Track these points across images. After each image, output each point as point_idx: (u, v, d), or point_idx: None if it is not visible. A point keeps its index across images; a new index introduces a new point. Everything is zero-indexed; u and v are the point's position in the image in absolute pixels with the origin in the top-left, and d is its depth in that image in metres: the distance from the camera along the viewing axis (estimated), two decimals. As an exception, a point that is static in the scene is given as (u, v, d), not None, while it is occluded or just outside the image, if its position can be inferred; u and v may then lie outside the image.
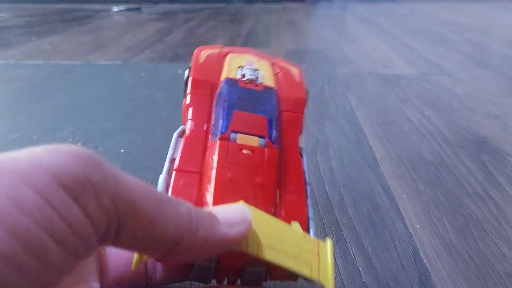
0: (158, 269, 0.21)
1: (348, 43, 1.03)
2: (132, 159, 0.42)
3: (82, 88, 0.65)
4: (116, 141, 0.46)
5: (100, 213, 0.12)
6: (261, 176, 0.20)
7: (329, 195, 0.36)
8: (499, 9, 1.67)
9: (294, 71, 0.27)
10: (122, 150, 0.44)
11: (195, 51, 0.26)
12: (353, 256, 0.29)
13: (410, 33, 1.17)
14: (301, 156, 0.23)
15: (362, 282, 0.26)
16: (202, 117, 0.22)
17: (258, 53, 0.28)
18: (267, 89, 0.24)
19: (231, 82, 0.23)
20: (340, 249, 0.29)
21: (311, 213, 0.20)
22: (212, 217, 0.16)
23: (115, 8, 1.66)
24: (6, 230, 0.10)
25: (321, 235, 0.31)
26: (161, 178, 0.20)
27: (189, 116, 0.22)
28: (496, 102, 0.60)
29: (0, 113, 0.55)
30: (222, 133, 0.21)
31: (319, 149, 0.45)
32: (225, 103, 0.22)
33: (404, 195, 0.36)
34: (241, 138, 0.21)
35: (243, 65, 0.25)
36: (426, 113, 0.56)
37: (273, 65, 0.27)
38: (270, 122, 0.22)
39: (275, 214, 0.19)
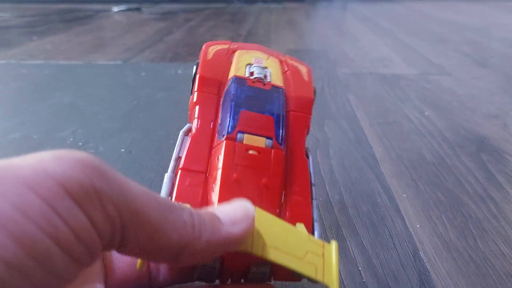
0: (161, 270, 0.21)
1: (348, 43, 1.03)
2: (133, 159, 0.42)
3: (83, 88, 0.65)
4: (117, 141, 0.46)
5: (105, 221, 0.12)
6: (267, 178, 0.20)
7: (329, 195, 0.36)
8: (499, 9, 1.66)
9: (303, 69, 0.27)
10: (123, 150, 0.44)
11: (204, 46, 0.26)
12: (353, 256, 0.29)
13: (410, 33, 1.17)
14: (307, 157, 0.23)
15: (362, 282, 0.27)
16: (209, 115, 0.22)
17: (267, 50, 0.28)
18: (275, 88, 0.23)
19: (239, 80, 0.23)
20: (340, 249, 0.30)
21: (316, 214, 0.20)
22: (214, 217, 0.16)
23: (116, 8, 1.66)
24: (11, 237, 0.10)
25: (322, 235, 0.31)
26: (167, 176, 0.19)
27: (196, 115, 0.22)
28: (496, 101, 0.60)
29: (1, 113, 0.55)
30: (229, 133, 0.21)
31: (319, 149, 0.45)
32: (233, 102, 0.22)
33: (404, 195, 0.36)
34: (247, 139, 0.21)
35: (251, 62, 0.25)
36: (426, 113, 0.56)
37: (281, 62, 0.27)
38: (277, 122, 0.22)
39: (280, 215, 0.19)
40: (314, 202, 0.21)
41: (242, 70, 0.24)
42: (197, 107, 0.22)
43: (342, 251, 0.29)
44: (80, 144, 0.45)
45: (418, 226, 0.32)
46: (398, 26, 1.29)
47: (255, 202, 0.18)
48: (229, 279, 0.20)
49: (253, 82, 0.23)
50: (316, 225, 0.20)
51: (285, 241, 0.17)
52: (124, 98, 0.60)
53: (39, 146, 0.45)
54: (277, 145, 0.21)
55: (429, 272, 0.27)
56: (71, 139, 0.47)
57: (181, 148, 0.21)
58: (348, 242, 0.30)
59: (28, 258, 0.10)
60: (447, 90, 0.66)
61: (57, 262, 0.11)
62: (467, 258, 0.29)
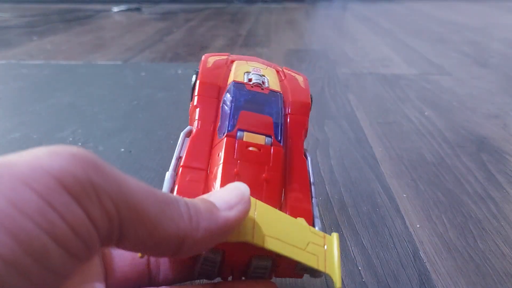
0: (161, 269, 0.21)
1: (348, 43, 1.03)
2: (133, 159, 0.42)
3: (83, 88, 0.65)
4: (117, 141, 0.46)
5: (102, 215, 0.12)
6: (267, 172, 0.20)
7: (329, 195, 0.36)
8: (499, 9, 1.66)
9: (300, 78, 0.28)
10: (123, 150, 0.44)
11: (203, 57, 0.27)
12: (353, 256, 0.29)
13: (410, 33, 1.17)
14: (306, 157, 0.23)
15: (362, 281, 0.27)
16: (209, 117, 0.23)
17: (265, 61, 0.29)
18: (273, 92, 0.24)
19: (238, 85, 0.24)
20: (340, 248, 0.29)
21: (316, 211, 0.20)
22: (210, 205, 0.16)
23: (116, 8, 1.66)
24: (8, 233, 0.10)
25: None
26: (168, 174, 0.20)
27: (196, 116, 0.23)
28: (496, 101, 0.60)
29: (1, 113, 0.55)
30: (229, 131, 0.21)
31: (319, 149, 0.45)
32: (232, 104, 0.22)
33: (404, 195, 0.36)
34: (247, 136, 0.21)
35: (249, 70, 0.26)
36: (426, 113, 0.56)
37: (278, 72, 0.28)
38: (276, 122, 0.22)
39: (280, 210, 0.19)
40: (314, 200, 0.21)
41: (241, 77, 0.25)
42: (197, 110, 0.23)
43: (342, 251, 0.29)
44: (80, 144, 0.45)
45: (418, 226, 0.32)
46: (398, 26, 1.29)
47: (255, 196, 0.18)
48: (230, 276, 0.20)
49: (252, 87, 0.24)
50: (316, 221, 0.20)
51: (286, 232, 0.17)
52: (124, 98, 0.60)
53: (39, 146, 0.44)
54: (276, 142, 0.21)
55: (429, 272, 0.27)
56: (71, 139, 0.47)
57: (181, 148, 0.21)
58: (348, 242, 0.30)
59: (25, 254, 0.10)
60: (447, 90, 0.66)
61: (54, 258, 0.11)
62: (467, 258, 0.29)
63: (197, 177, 0.20)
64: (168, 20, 1.41)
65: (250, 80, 0.25)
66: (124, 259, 0.20)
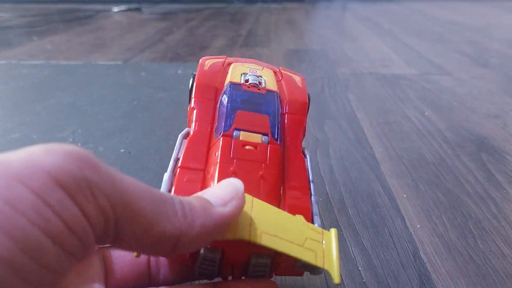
0: (161, 270, 0.21)
1: (348, 43, 1.03)
2: (132, 159, 0.42)
3: (83, 88, 0.65)
4: (117, 141, 0.46)
5: (97, 212, 0.12)
6: (264, 170, 0.20)
7: (329, 195, 0.36)
8: (499, 9, 1.66)
9: (297, 78, 0.28)
10: (122, 150, 0.44)
11: (200, 61, 0.27)
12: (353, 256, 0.29)
13: (410, 33, 1.17)
14: (305, 155, 0.23)
15: (362, 282, 0.27)
16: (206, 118, 0.23)
17: (261, 63, 0.29)
18: (270, 92, 0.24)
19: (235, 86, 0.24)
20: (340, 249, 0.30)
21: (315, 209, 0.21)
22: (204, 202, 0.16)
23: (116, 8, 1.66)
24: (3, 231, 0.10)
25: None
26: (166, 176, 0.20)
27: (194, 118, 0.23)
28: (496, 101, 0.60)
29: (1, 113, 0.55)
30: (225, 130, 0.21)
31: (319, 149, 0.45)
32: (229, 104, 0.22)
33: (404, 195, 0.36)
34: (244, 135, 0.21)
35: (246, 72, 0.26)
36: (426, 113, 0.56)
37: (275, 73, 0.28)
38: (272, 121, 0.22)
39: (278, 207, 0.19)
40: (313, 198, 0.21)
41: (237, 78, 0.25)
42: (194, 111, 0.23)
43: (342, 251, 0.29)
44: (80, 144, 0.45)
45: (418, 226, 0.32)
46: (398, 26, 1.29)
47: (252, 194, 0.18)
48: (230, 276, 0.20)
49: (248, 87, 0.24)
50: (316, 218, 0.20)
51: (284, 229, 0.17)
52: (124, 98, 0.60)
53: (39, 146, 0.44)
54: (273, 141, 0.21)
55: (429, 272, 0.27)
56: (71, 139, 0.47)
57: (179, 150, 0.22)
58: (348, 242, 0.30)
59: (20, 252, 0.10)
60: (447, 90, 0.66)
61: (50, 255, 0.11)
62: (467, 258, 0.29)
63: (194, 178, 0.20)
64: (168, 20, 1.41)
65: (247, 81, 0.25)
66: (124, 259, 0.20)
